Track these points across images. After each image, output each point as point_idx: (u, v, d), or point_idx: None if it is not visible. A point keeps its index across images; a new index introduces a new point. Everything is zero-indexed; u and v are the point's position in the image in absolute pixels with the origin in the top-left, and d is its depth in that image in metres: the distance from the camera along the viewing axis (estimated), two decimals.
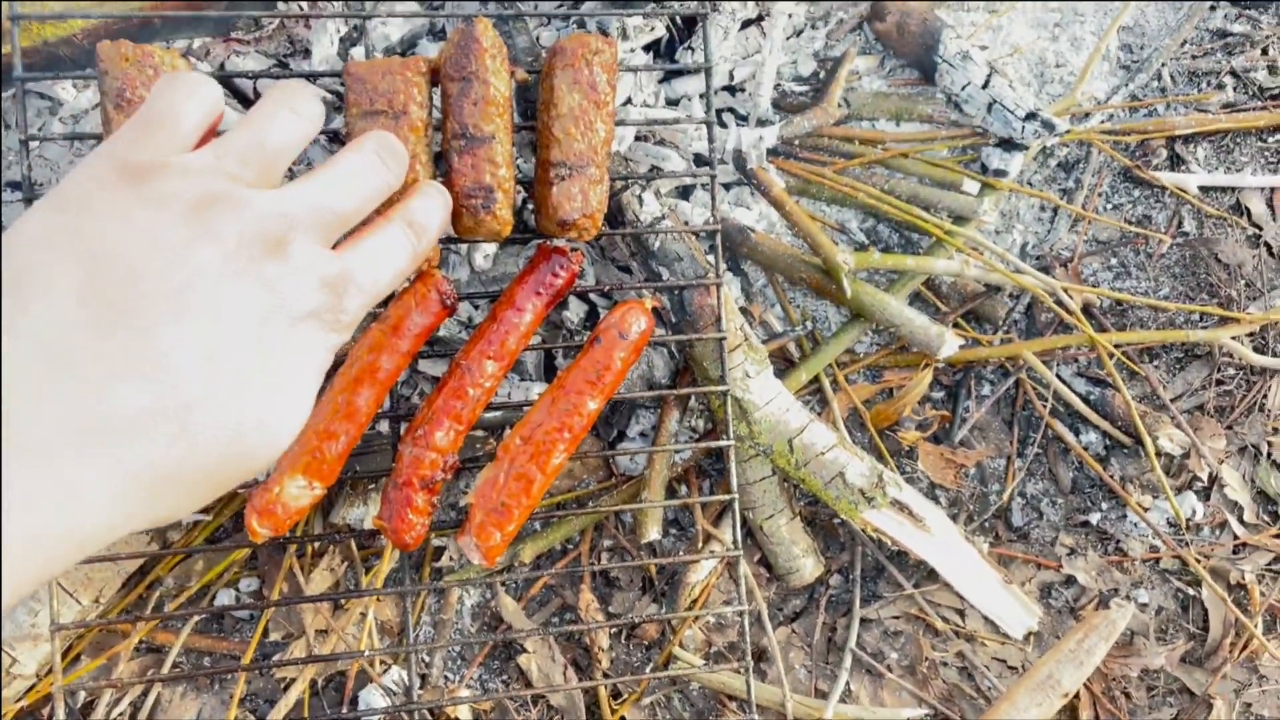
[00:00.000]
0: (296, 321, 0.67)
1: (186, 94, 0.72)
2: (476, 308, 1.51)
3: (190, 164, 0.68)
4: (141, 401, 0.58)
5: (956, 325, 1.58)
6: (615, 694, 1.46)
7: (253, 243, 0.65)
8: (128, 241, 0.61)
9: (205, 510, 1.44)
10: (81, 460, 0.56)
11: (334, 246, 0.75)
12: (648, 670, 1.46)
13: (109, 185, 0.64)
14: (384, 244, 0.79)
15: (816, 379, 1.57)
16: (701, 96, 1.55)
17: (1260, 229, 1.60)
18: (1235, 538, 1.50)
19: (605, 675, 1.45)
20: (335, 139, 1.48)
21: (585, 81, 1.19)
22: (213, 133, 0.78)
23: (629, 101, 1.53)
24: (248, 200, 0.67)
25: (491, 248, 1.47)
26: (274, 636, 1.43)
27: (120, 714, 1.38)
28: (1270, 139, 1.64)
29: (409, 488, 1.21)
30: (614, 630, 1.48)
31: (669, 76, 1.56)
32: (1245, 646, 1.44)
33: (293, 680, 1.42)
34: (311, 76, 1.36)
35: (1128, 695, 1.45)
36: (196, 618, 1.44)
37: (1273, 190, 1.61)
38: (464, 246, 1.47)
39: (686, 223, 1.50)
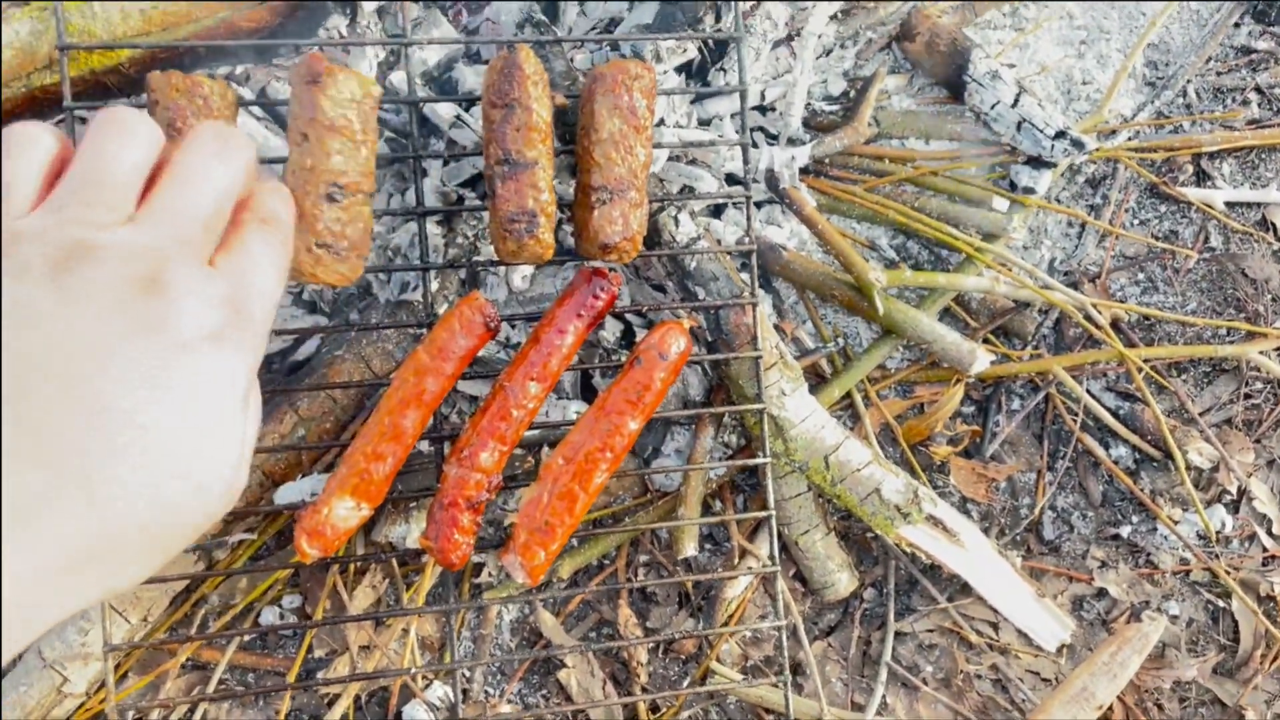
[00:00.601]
0: (198, 351, 0.63)
1: (17, 154, 0.67)
2: (514, 328, 1.53)
3: (31, 226, 0.63)
4: (35, 485, 0.54)
5: (986, 341, 1.60)
6: (654, 708, 1.48)
7: (122, 289, 0.61)
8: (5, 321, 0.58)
9: (249, 529, 1.46)
10: None
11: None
12: (685, 685, 1.48)
13: None
14: (255, 243, 0.74)
15: (848, 395, 1.58)
16: (734, 116, 1.57)
17: None
18: (1264, 550, 1.51)
19: (644, 690, 1.47)
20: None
21: (625, 107, 1.21)
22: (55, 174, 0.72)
23: (662, 122, 1.55)
24: (104, 246, 0.62)
25: (529, 269, 1.49)
26: (318, 653, 1.45)
27: None
28: None
29: (455, 508, 1.23)
30: (652, 645, 1.50)
31: (700, 97, 1.58)
32: (1276, 657, 1.46)
33: (337, 696, 1.44)
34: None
35: (1160, 707, 1.46)
36: (242, 637, 1.46)
37: None
38: (502, 268, 1.49)
39: (719, 242, 1.52)
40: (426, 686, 1.45)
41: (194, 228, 0.68)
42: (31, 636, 0.56)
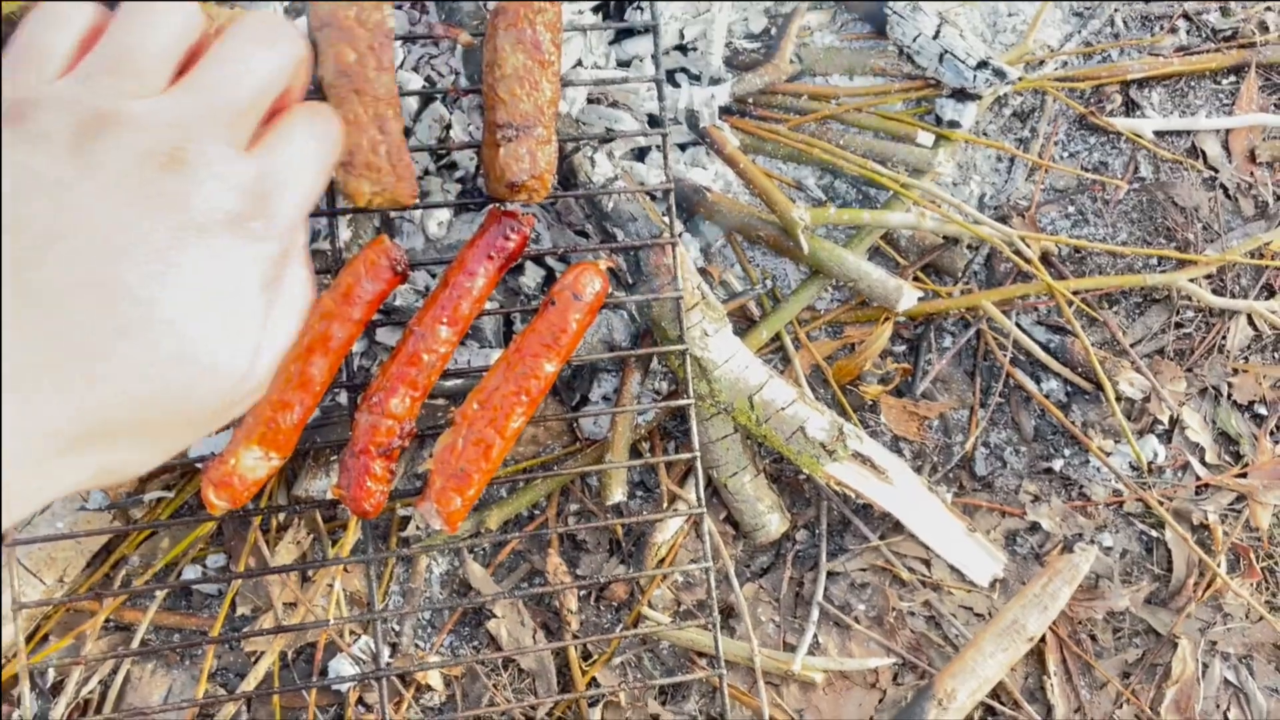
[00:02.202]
0: (212, 235, 0.60)
1: (54, 24, 0.66)
2: (433, 276, 1.50)
3: (59, 93, 0.61)
4: (38, 357, 0.54)
5: (916, 278, 1.59)
6: (585, 655, 1.47)
7: (143, 162, 0.59)
8: (7, 188, 0.56)
9: (168, 487, 1.44)
10: None
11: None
12: (618, 631, 1.47)
13: None
14: (299, 133, 0.70)
15: (778, 337, 1.57)
16: (653, 57, 1.54)
17: (1216, 171, 1.60)
18: (1197, 479, 1.51)
19: (575, 637, 1.45)
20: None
21: (529, 41, 1.18)
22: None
23: (579, 64, 1.52)
24: (129, 117, 0.61)
25: (445, 215, 1.47)
26: (242, 611, 1.43)
27: (90, 692, 1.38)
28: (1224, 80, 1.64)
29: (366, 455, 1.21)
30: (583, 593, 1.48)
31: (619, 37, 1.55)
32: (1209, 586, 1.45)
33: (262, 653, 1.42)
34: None
35: (1094, 638, 1.46)
36: (163, 593, 1.44)
37: (1228, 132, 1.61)
38: (417, 214, 1.47)
39: (641, 183, 1.50)
40: (354, 641, 1.44)
41: (226, 109, 0.66)
42: (26, 511, 0.55)
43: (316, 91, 1.16)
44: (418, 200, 1.19)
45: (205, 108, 0.64)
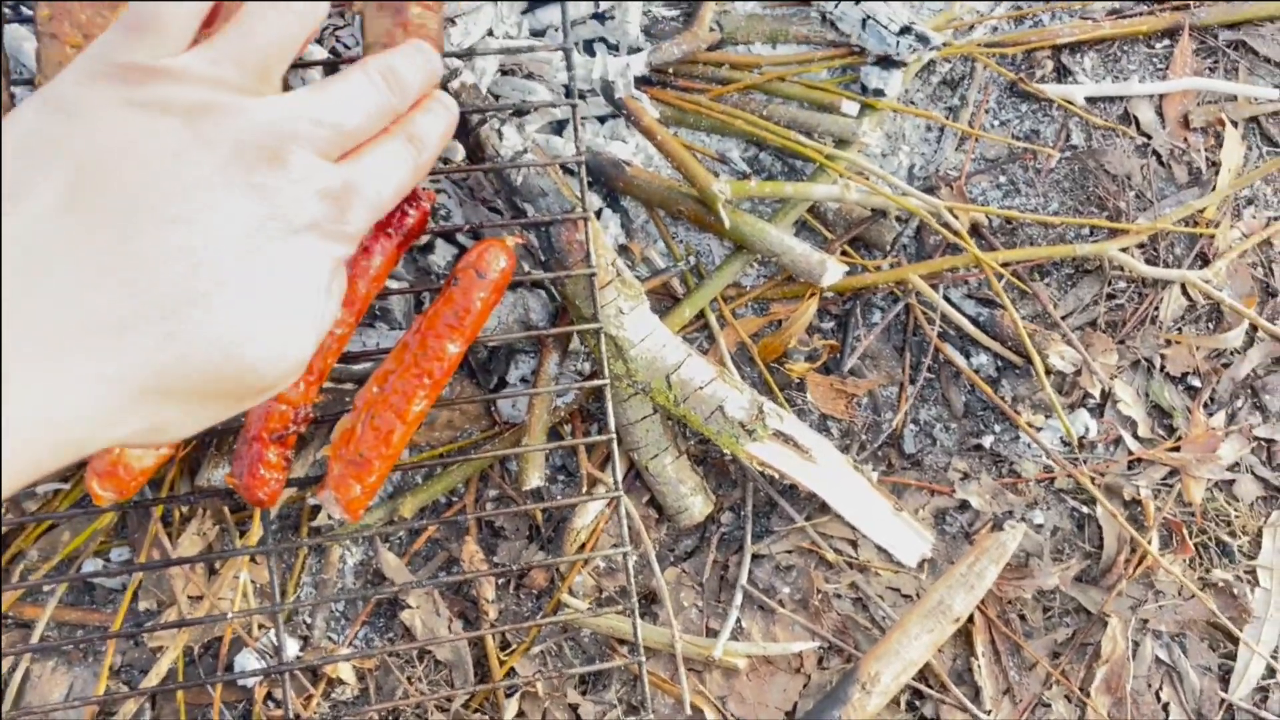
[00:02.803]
0: (294, 233, 0.66)
1: None
2: None
3: (186, 69, 0.66)
4: (122, 307, 0.57)
5: (844, 253, 1.54)
6: (504, 645, 1.42)
7: (248, 152, 0.64)
8: (118, 147, 0.60)
9: (64, 479, 1.38)
10: (62, 359, 0.55)
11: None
12: (537, 619, 1.43)
13: (101, 88, 0.63)
14: (386, 157, 0.76)
15: (703, 314, 1.52)
16: (561, 26, 1.49)
17: (1149, 138, 1.56)
18: (1130, 453, 1.47)
19: (492, 626, 1.41)
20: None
21: (391, 7, 1.13)
22: (206, 28, 0.75)
23: (490, 33, 1.47)
24: (244, 109, 0.66)
25: None
26: (146, 606, 1.39)
27: None
28: (1157, 45, 1.60)
29: (259, 442, 1.16)
30: (501, 581, 1.44)
31: (532, 6, 1.50)
32: (1140, 562, 1.42)
33: (166, 648, 1.37)
34: None
35: (1023, 617, 1.42)
36: (62, 588, 1.39)
37: (1161, 97, 1.57)
38: None
39: (557, 157, 1.45)
40: (263, 636, 1.39)
41: (330, 130, 0.71)
42: (77, 456, 0.58)
43: None
44: None
45: (313, 120, 0.69)
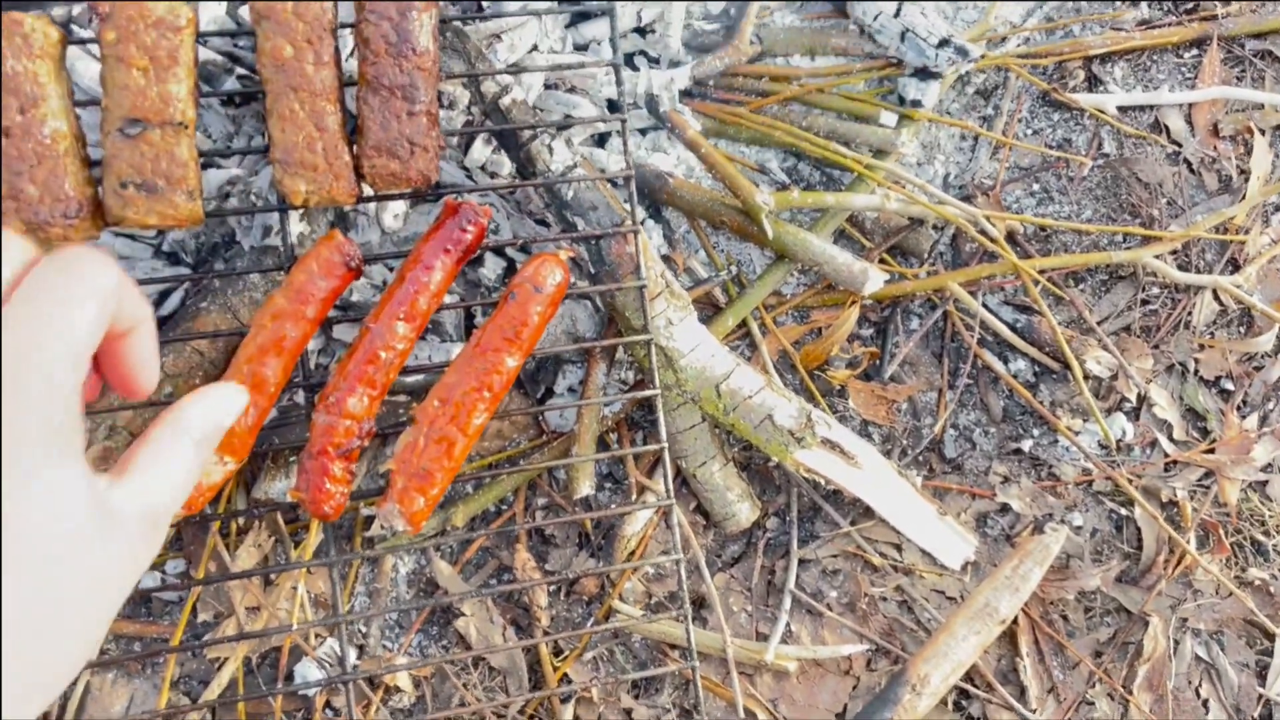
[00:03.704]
0: None
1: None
2: (390, 270, 1.47)
3: None
4: None
5: (882, 261, 1.57)
6: (557, 651, 1.45)
7: None
8: None
9: None
10: None
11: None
12: (589, 625, 1.45)
13: None
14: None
15: (744, 323, 1.55)
16: (610, 40, 1.51)
17: (1179, 146, 1.59)
18: (1165, 456, 1.50)
19: (545, 633, 1.43)
20: (230, 101, 1.43)
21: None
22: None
23: (535, 49, 1.49)
24: None
25: (400, 207, 1.43)
26: (204, 618, 1.40)
27: (49, 705, 1.35)
28: (1186, 54, 1.63)
29: (324, 456, 1.18)
30: (553, 588, 1.46)
31: (576, 21, 1.52)
32: (1179, 562, 1.45)
33: (225, 660, 1.39)
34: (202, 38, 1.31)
35: (1065, 618, 1.45)
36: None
37: (1190, 106, 1.60)
38: (372, 206, 1.43)
39: (602, 171, 1.47)
40: (320, 645, 1.41)
41: None
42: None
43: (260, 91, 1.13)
44: (358, 198, 1.15)
45: None
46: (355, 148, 1.16)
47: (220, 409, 0.80)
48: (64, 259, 0.63)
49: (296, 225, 1.37)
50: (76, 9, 1.40)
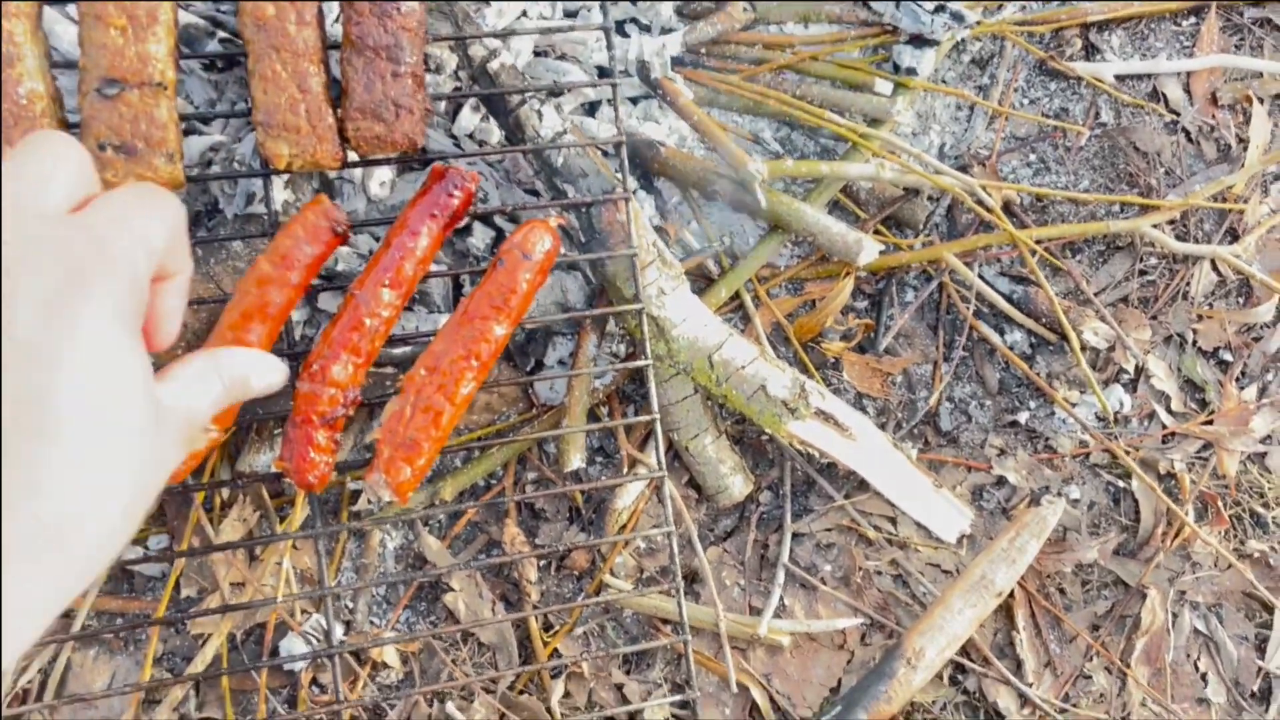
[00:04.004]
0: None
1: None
2: (377, 239, 1.44)
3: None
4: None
5: (877, 232, 1.55)
6: (547, 626, 1.43)
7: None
8: None
9: None
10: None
11: None
12: (579, 600, 1.43)
13: None
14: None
15: (738, 295, 1.52)
16: (600, 5, 1.48)
17: (1177, 115, 1.57)
18: (1164, 427, 1.49)
19: (535, 608, 1.41)
20: (212, 65, 1.40)
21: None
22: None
23: (524, 14, 1.46)
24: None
25: (387, 174, 1.41)
26: (187, 593, 1.38)
27: (29, 682, 1.33)
28: (1184, 22, 1.61)
29: (308, 425, 1.16)
30: (543, 563, 1.44)
31: None
32: (1177, 535, 1.44)
33: (209, 635, 1.37)
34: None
35: (1062, 591, 1.44)
36: (102, 576, 1.38)
37: (1189, 74, 1.58)
38: (358, 173, 1.40)
39: (593, 138, 1.44)
40: (306, 620, 1.39)
41: None
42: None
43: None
44: (342, 162, 1.13)
45: None
46: (340, 110, 1.14)
47: (254, 368, 0.83)
48: (147, 186, 0.71)
49: (281, 192, 1.35)
50: None
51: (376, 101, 1.14)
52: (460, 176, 1.17)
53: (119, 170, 1.08)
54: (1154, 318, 1.52)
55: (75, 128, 1.09)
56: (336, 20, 1.36)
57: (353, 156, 1.19)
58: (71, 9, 1.35)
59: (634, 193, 1.53)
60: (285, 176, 1.35)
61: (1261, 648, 1.43)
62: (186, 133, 1.38)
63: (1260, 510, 1.46)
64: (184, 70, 1.39)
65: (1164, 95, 1.58)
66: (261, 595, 1.37)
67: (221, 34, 1.37)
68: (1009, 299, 1.52)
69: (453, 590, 1.41)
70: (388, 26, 1.14)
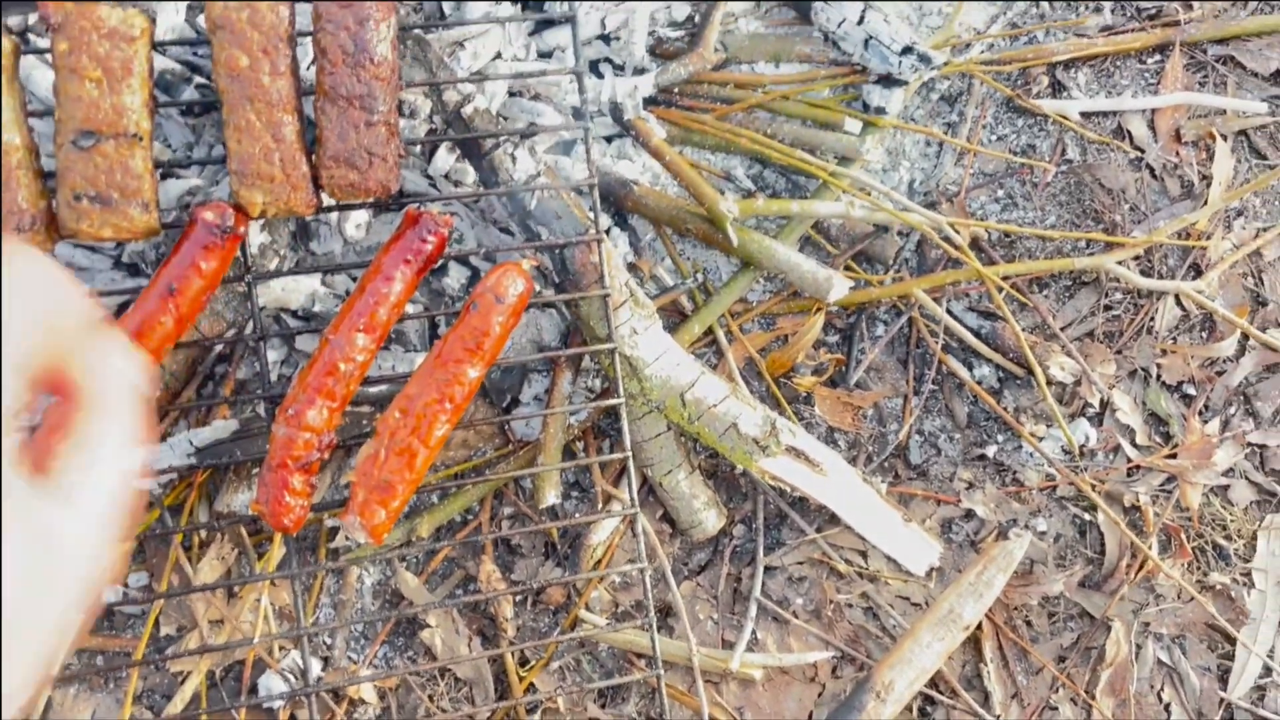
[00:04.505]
0: None
1: None
2: (354, 280, 1.46)
3: None
4: None
5: (848, 268, 1.57)
6: (523, 661, 1.44)
7: None
8: None
9: None
10: None
11: None
12: (555, 635, 1.45)
13: None
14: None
15: (711, 330, 1.55)
16: (573, 48, 1.50)
17: (1142, 151, 1.60)
18: (1128, 461, 1.51)
19: (511, 643, 1.43)
20: (189, 111, 1.42)
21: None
22: None
23: (498, 56, 1.48)
24: None
25: (363, 216, 1.42)
26: (166, 631, 1.39)
27: None
28: (1149, 60, 1.64)
29: (284, 469, 1.18)
30: (519, 598, 1.46)
31: (539, 28, 1.51)
32: (1141, 567, 1.46)
33: (189, 673, 1.38)
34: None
35: (1029, 623, 1.46)
36: None
37: (1153, 111, 1.61)
38: (334, 217, 1.42)
39: (566, 179, 1.47)
40: (284, 658, 1.40)
41: None
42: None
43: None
44: (317, 208, 1.15)
45: None
46: (314, 158, 1.15)
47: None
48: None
49: (258, 235, 1.36)
50: (33, 17, 1.39)
51: (350, 150, 1.16)
52: (434, 222, 1.19)
53: (94, 220, 1.10)
54: (1119, 352, 1.54)
55: (51, 176, 1.11)
56: (310, 66, 1.38)
57: (328, 200, 1.21)
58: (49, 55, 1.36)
59: (607, 232, 1.55)
60: (262, 221, 1.37)
61: (1224, 678, 1.45)
62: (164, 177, 1.40)
63: (1222, 543, 1.49)
64: (162, 115, 1.40)
65: (1129, 132, 1.60)
66: (240, 633, 1.39)
67: (198, 79, 1.39)
68: (977, 334, 1.55)
69: (430, 626, 1.43)
70: (361, 77, 1.16)
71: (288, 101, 1.14)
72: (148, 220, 1.12)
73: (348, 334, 1.18)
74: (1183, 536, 1.48)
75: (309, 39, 1.15)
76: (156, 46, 1.17)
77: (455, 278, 1.46)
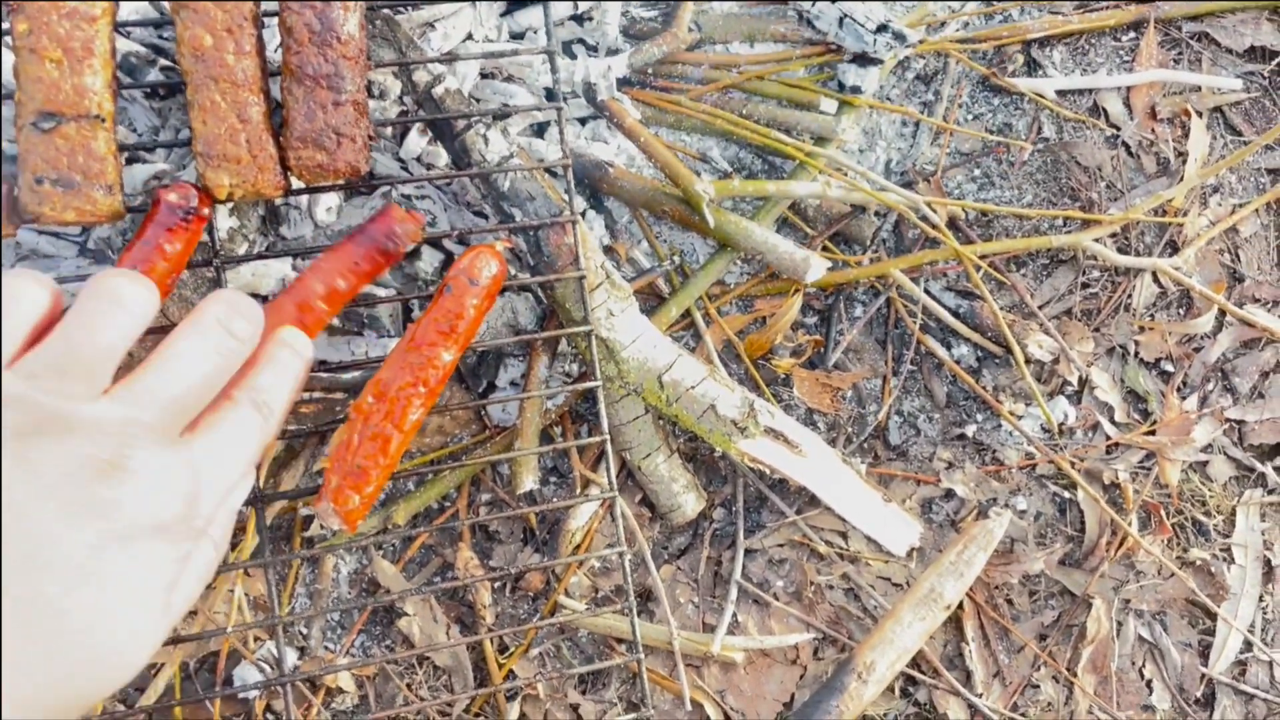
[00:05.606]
0: (135, 542, 0.62)
1: (8, 306, 0.67)
2: None
3: (6, 390, 0.62)
4: None
5: (825, 248, 1.56)
6: (502, 648, 1.43)
7: (81, 469, 0.60)
8: None
9: None
10: None
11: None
12: (534, 621, 1.44)
13: None
14: (231, 431, 0.74)
15: (688, 313, 1.54)
16: (545, 29, 1.49)
17: (1118, 129, 1.60)
18: (1107, 438, 1.51)
19: (490, 630, 1.42)
20: (154, 94, 1.39)
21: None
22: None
23: (469, 37, 1.46)
24: (71, 420, 0.62)
25: (334, 200, 1.40)
26: None
27: None
28: (1124, 37, 1.64)
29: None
30: (498, 585, 1.45)
31: (511, 8, 1.50)
32: (1121, 544, 1.46)
33: (162, 665, 1.36)
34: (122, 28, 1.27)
35: (1010, 602, 1.46)
36: None
37: (1128, 89, 1.61)
38: (304, 200, 1.40)
39: (540, 160, 1.45)
40: (259, 648, 1.39)
41: (172, 412, 0.68)
42: None
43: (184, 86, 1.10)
44: (285, 190, 1.13)
45: (149, 414, 0.66)
46: (281, 139, 1.13)
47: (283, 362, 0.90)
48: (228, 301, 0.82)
49: (226, 220, 1.34)
50: None
51: (318, 131, 1.14)
52: (411, 224, 1.17)
53: (57, 204, 1.08)
54: (1097, 330, 1.54)
55: (13, 159, 1.08)
56: (278, 49, 1.36)
57: (297, 183, 1.19)
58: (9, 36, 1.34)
59: (582, 214, 1.54)
60: (229, 204, 1.35)
61: (1205, 654, 1.46)
62: (129, 161, 1.38)
63: (1202, 519, 1.49)
64: (126, 98, 1.38)
65: (1104, 110, 1.60)
66: (214, 623, 1.37)
67: (163, 61, 1.37)
68: (955, 313, 1.54)
69: (407, 614, 1.41)
70: (328, 55, 1.14)
71: (253, 81, 1.12)
72: (111, 203, 1.09)
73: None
74: (1162, 513, 1.48)
75: (275, 20, 1.13)
76: (120, 28, 1.14)
77: (429, 261, 1.45)
